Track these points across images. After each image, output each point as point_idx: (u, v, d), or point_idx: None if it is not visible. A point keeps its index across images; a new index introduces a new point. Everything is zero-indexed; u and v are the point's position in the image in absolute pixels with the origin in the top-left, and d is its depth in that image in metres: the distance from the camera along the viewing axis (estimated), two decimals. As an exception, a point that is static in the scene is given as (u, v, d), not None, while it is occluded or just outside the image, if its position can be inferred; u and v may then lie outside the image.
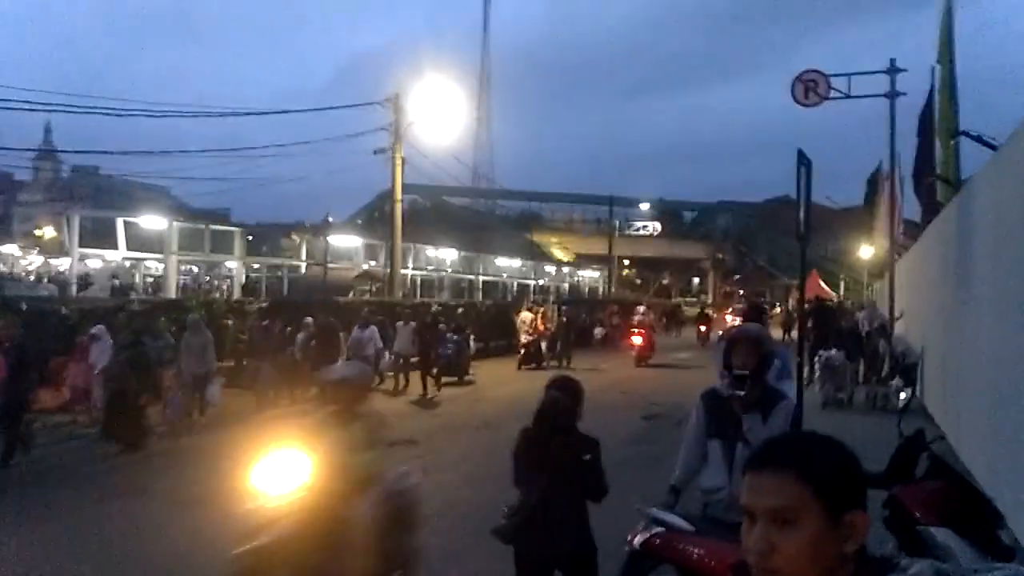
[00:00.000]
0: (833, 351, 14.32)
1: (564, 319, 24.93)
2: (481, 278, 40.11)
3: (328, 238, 28.58)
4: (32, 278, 34.62)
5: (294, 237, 32.19)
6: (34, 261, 41.14)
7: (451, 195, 64.20)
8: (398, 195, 24.45)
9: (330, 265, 27.51)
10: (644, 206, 66.31)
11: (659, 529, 3.85)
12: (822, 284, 38.93)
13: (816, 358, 14.22)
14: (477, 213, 68.07)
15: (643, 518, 3.95)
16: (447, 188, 53.48)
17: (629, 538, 3.91)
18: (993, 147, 7.83)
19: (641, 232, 67.89)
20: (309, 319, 15.32)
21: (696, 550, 3.62)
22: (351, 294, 24.87)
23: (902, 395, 9.19)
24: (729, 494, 3.91)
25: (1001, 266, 6.68)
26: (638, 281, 70.68)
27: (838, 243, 53.31)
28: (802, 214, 7.54)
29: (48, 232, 45.92)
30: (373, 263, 30.82)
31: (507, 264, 44.68)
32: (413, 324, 17.74)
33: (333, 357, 12.95)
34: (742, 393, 3.99)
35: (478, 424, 13.36)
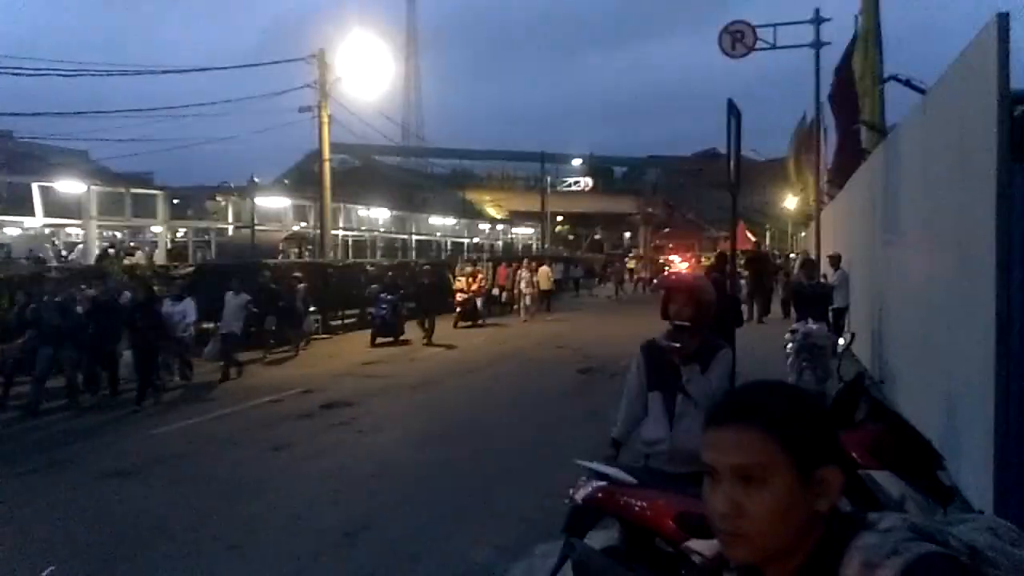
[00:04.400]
0: (812, 324, 9.82)
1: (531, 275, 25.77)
2: (415, 238, 39.67)
3: (255, 199, 27.77)
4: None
5: (219, 199, 31.22)
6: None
7: (382, 154, 63.20)
8: (326, 154, 23.86)
9: (258, 227, 26.75)
10: (576, 162, 66.35)
11: (601, 483, 3.78)
12: (748, 235, 39.63)
13: (790, 334, 10.02)
14: (409, 172, 67.26)
15: (584, 472, 3.89)
16: (377, 147, 52.58)
17: (571, 493, 3.84)
18: (922, 91, 7.90)
19: (573, 188, 67.98)
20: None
21: (638, 502, 3.57)
22: (279, 257, 24.25)
23: (840, 340, 9.20)
24: (670, 445, 3.87)
25: (931, 207, 6.77)
26: (571, 237, 71.00)
27: (764, 195, 54.35)
28: (732, 164, 7.54)
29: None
30: (303, 224, 30.14)
31: (441, 223, 44.26)
32: (245, 296, 14.76)
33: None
34: (679, 345, 3.94)
35: (415, 384, 13.24)
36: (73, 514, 6.79)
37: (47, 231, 26.79)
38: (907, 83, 8.64)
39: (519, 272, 25.96)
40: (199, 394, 12.56)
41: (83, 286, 13.84)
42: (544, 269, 28.74)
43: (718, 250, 20.31)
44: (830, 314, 11.53)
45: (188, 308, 13.57)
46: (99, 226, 25.03)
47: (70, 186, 24.09)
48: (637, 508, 3.57)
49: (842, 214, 16.52)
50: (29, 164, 39.21)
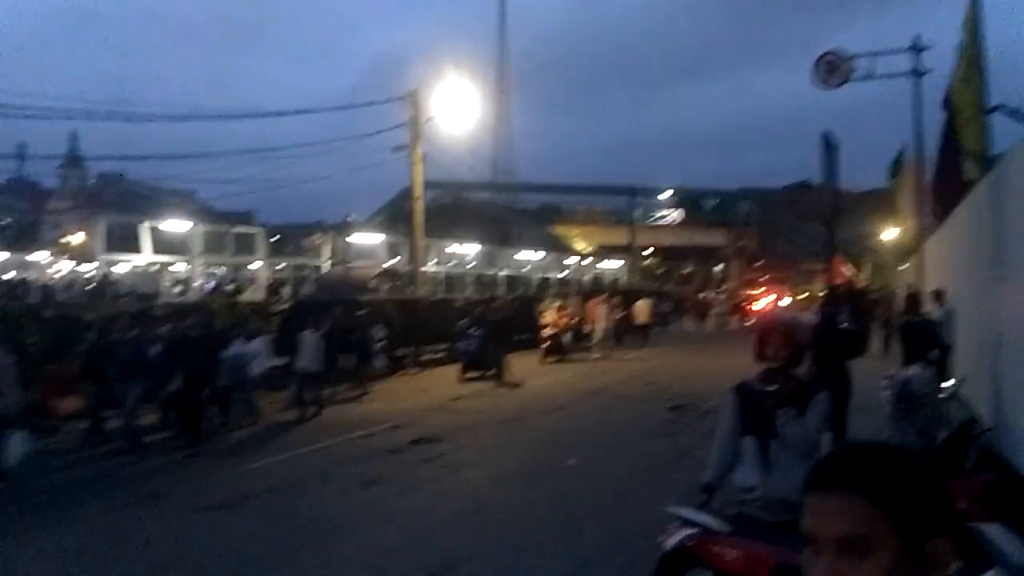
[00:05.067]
0: (912, 369, 8.57)
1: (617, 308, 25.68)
2: (503, 272, 39.91)
3: (349, 237, 28.52)
4: (63, 284, 34.96)
5: (316, 237, 32.21)
6: (63, 267, 41.57)
7: (472, 190, 64.03)
8: (418, 192, 24.36)
9: (352, 264, 27.42)
10: (665, 195, 65.74)
11: (692, 530, 3.68)
12: (846, 267, 38.34)
13: (887, 380, 8.38)
14: (499, 207, 67.90)
15: (675, 518, 3.78)
16: (468, 183, 53.32)
17: (661, 539, 3.74)
18: (1030, 121, 7.54)
19: (662, 222, 67.31)
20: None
21: (733, 552, 3.45)
22: (372, 292, 24.76)
23: (947, 383, 8.62)
24: (765, 493, 3.73)
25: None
26: (660, 271, 70.17)
27: (860, 227, 52.59)
28: (829, 197, 7.34)
29: (76, 238, 46.40)
30: (395, 260, 30.75)
31: (529, 257, 44.42)
32: (320, 333, 14.43)
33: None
34: (774, 388, 3.81)
35: (504, 419, 13.22)
36: (170, 547, 6.99)
37: (154, 268, 28.06)
38: (1013, 113, 8.26)
39: (596, 307, 25.52)
40: (290, 430, 12.79)
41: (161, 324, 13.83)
42: (642, 303, 28.68)
43: (822, 284, 19.72)
44: (937, 352, 10.70)
45: (260, 348, 13.28)
46: (203, 263, 26.08)
47: (176, 225, 25.22)
48: (731, 558, 3.45)
49: (944, 247, 15.81)
50: (139, 204, 41.37)
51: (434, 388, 17.33)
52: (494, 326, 19.79)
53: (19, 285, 29.55)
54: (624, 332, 27.55)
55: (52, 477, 9.78)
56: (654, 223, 65.44)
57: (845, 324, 9.20)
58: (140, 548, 6.94)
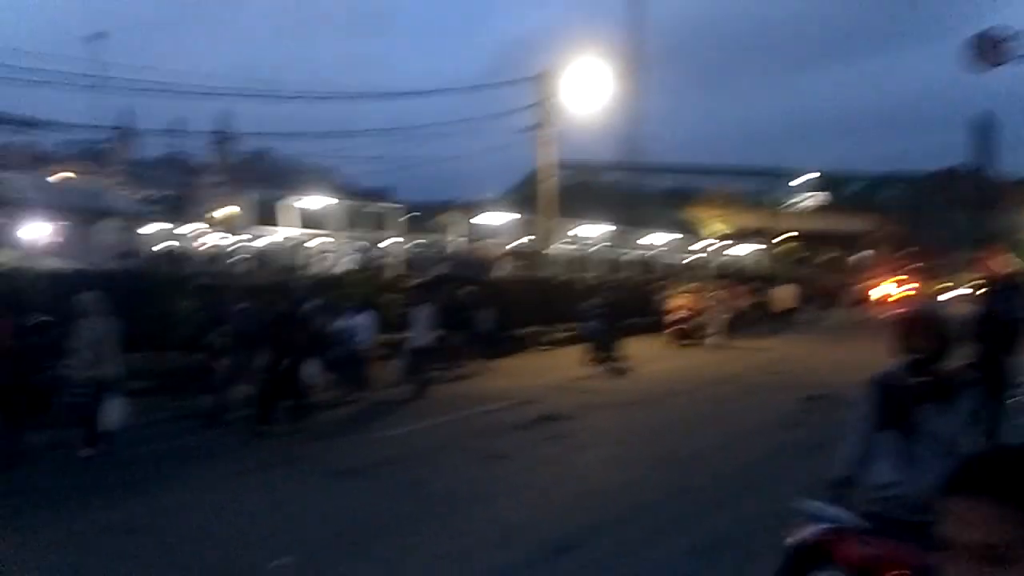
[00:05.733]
0: None
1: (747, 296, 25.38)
2: (632, 254, 39.54)
3: (480, 216, 28.99)
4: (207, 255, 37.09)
5: (448, 215, 32.92)
6: (213, 240, 44.09)
7: (603, 170, 63.56)
8: (546, 172, 24.43)
9: (481, 242, 27.90)
10: (806, 178, 63.26)
11: (822, 526, 3.55)
12: (1006, 258, 35.79)
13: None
14: (629, 188, 67.18)
15: (805, 512, 3.66)
16: (599, 163, 53.00)
17: (786, 534, 3.63)
18: None
19: (803, 205, 64.80)
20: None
21: (868, 551, 3.31)
22: (500, 271, 25.11)
23: None
24: (904, 491, 3.56)
25: None
26: (798, 257, 67.61)
27: (1017, 216, 48.91)
28: (981, 184, 6.85)
29: (224, 212, 49.02)
30: (524, 240, 31.01)
31: (659, 239, 43.82)
32: (432, 309, 14.41)
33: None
34: (918, 381, 3.62)
35: (630, 401, 13.16)
36: (301, 510, 7.34)
37: (295, 242, 29.40)
38: None
39: (714, 294, 24.54)
40: (418, 402, 13.11)
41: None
42: (784, 289, 28.13)
43: (977, 274, 18.48)
44: None
45: (366, 321, 13.23)
46: (343, 238, 27.15)
47: (318, 201, 26.31)
48: (865, 557, 3.32)
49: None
50: (284, 180, 43.28)
51: (560, 367, 17.42)
52: (604, 308, 19.23)
53: (171, 255, 31.60)
54: (758, 319, 26.90)
55: (176, 442, 10.31)
56: (793, 207, 63.06)
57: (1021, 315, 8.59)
58: (269, 511, 7.34)
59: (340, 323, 13.13)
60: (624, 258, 38.76)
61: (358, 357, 13.31)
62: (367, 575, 5.82)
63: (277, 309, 11.83)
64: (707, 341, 22.38)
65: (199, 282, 14.88)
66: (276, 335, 11.09)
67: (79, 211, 32.25)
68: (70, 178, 39.05)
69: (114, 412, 9.44)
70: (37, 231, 30.04)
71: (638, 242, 41.09)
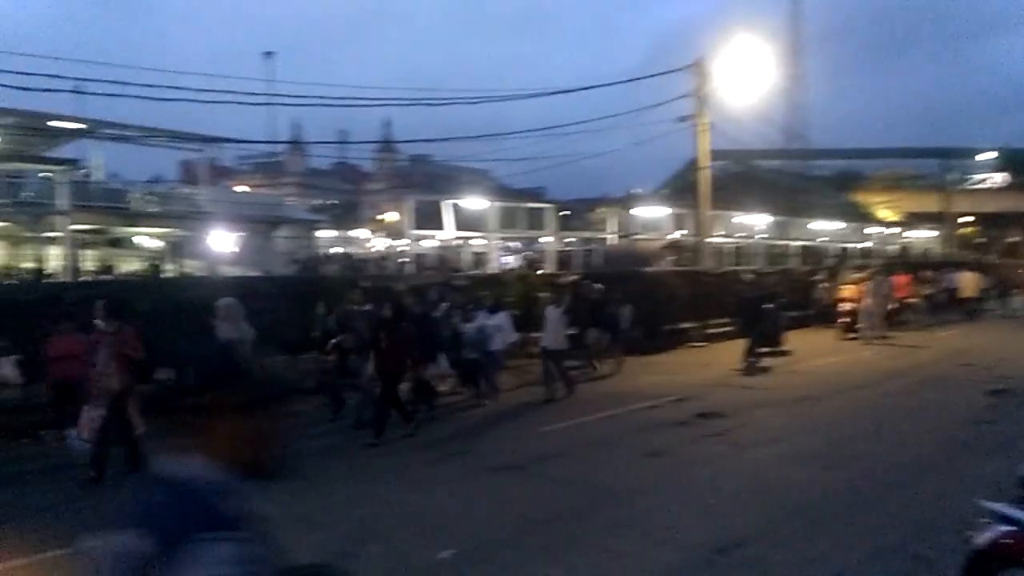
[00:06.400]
0: None
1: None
2: (795, 243, 37.97)
3: (633, 210, 28.75)
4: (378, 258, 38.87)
5: (601, 211, 32.82)
6: (378, 243, 46.31)
7: (762, 158, 61.45)
8: (703, 162, 23.88)
9: (636, 236, 27.63)
10: (984, 157, 58.46)
11: (1010, 527, 3.31)
12: None
13: None
14: (791, 176, 64.55)
15: (989, 514, 3.42)
16: (758, 151, 51.21)
17: (970, 536, 3.41)
18: None
19: (982, 186, 59.93)
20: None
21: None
22: (656, 265, 24.76)
23: None
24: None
25: None
26: (980, 240, 62.68)
27: None
28: None
29: (389, 216, 51.34)
30: (681, 233, 30.46)
31: (825, 227, 41.85)
32: (562, 309, 13.72)
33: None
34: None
35: (795, 397, 12.66)
36: (463, 504, 7.52)
37: (454, 244, 30.23)
38: None
39: (888, 282, 22.45)
40: (566, 402, 12.87)
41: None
42: (968, 275, 26.51)
43: None
44: None
45: (504, 322, 12.74)
46: (497, 238, 27.67)
47: (474, 203, 26.93)
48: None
49: None
50: (442, 183, 44.66)
51: (719, 362, 16.97)
52: (743, 303, 18.05)
53: (338, 259, 33.30)
54: (936, 308, 25.31)
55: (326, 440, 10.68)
56: (969, 188, 58.48)
57: None
58: (431, 505, 7.58)
59: (473, 324, 12.82)
60: (787, 249, 37.33)
61: (493, 358, 12.93)
62: (529, 569, 5.91)
63: (381, 312, 11.20)
64: (877, 333, 20.83)
65: (362, 285, 15.26)
66: (376, 338, 10.56)
67: (258, 221, 34.62)
68: (246, 191, 41.82)
69: None
70: (221, 241, 32.52)
71: (802, 231, 39.44)
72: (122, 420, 8.39)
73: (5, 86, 13.43)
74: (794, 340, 18.18)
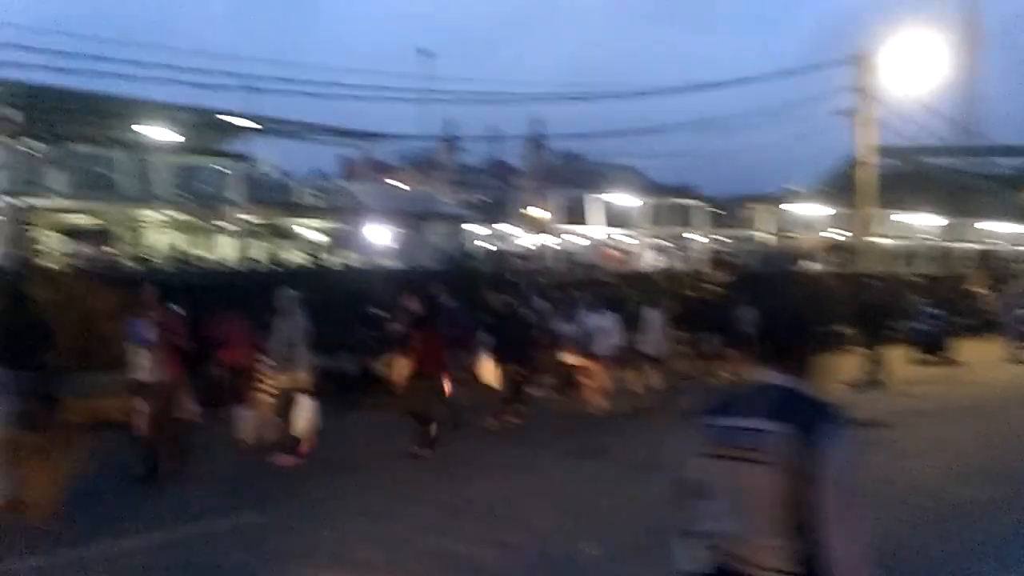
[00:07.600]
0: None
1: None
2: (966, 246, 35.62)
3: (787, 208, 27.82)
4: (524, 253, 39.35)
5: (753, 208, 31.95)
6: (525, 238, 46.81)
7: (931, 155, 57.85)
8: (864, 159, 22.82)
9: (790, 235, 26.75)
10: None
11: None
12: None
13: None
14: (964, 174, 60.51)
15: None
16: (927, 148, 48.26)
17: None
18: None
19: None
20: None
21: None
22: (811, 265, 23.88)
23: None
24: None
25: None
26: None
27: None
28: None
29: (538, 212, 51.80)
30: (840, 233, 29.22)
31: (999, 229, 39.04)
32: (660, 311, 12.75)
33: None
34: None
35: (963, 408, 11.96)
36: (609, 500, 7.58)
37: (603, 238, 30.30)
38: None
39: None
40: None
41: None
42: None
43: None
44: None
45: (611, 323, 11.82)
46: (647, 235, 27.53)
47: (623, 199, 26.91)
48: None
49: None
50: (592, 180, 44.75)
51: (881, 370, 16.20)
52: (865, 308, 16.51)
53: (487, 255, 33.94)
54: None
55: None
56: None
57: None
58: (579, 500, 7.71)
59: (573, 325, 12.00)
60: (957, 251, 35.09)
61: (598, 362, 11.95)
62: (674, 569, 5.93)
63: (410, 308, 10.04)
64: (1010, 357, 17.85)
65: (504, 279, 14.84)
66: (408, 337, 9.68)
67: (412, 216, 35.87)
68: (400, 187, 43.38)
69: (302, 414, 8.95)
70: (377, 234, 33.87)
71: (974, 233, 36.97)
72: (168, 413, 8.09)
73: (184, 83, 14.56)
74: (967, 350, 17.16)
